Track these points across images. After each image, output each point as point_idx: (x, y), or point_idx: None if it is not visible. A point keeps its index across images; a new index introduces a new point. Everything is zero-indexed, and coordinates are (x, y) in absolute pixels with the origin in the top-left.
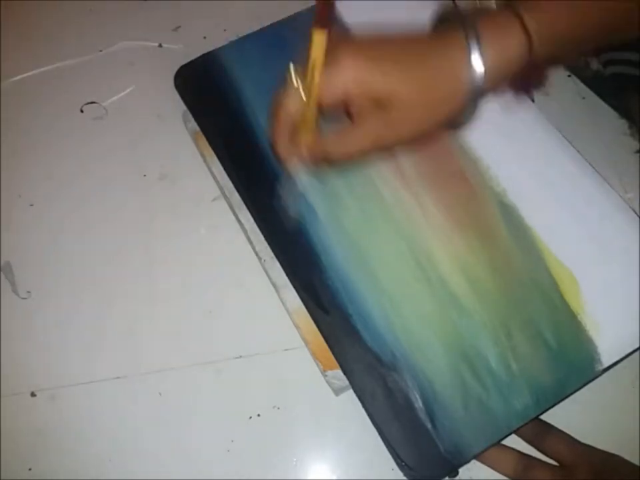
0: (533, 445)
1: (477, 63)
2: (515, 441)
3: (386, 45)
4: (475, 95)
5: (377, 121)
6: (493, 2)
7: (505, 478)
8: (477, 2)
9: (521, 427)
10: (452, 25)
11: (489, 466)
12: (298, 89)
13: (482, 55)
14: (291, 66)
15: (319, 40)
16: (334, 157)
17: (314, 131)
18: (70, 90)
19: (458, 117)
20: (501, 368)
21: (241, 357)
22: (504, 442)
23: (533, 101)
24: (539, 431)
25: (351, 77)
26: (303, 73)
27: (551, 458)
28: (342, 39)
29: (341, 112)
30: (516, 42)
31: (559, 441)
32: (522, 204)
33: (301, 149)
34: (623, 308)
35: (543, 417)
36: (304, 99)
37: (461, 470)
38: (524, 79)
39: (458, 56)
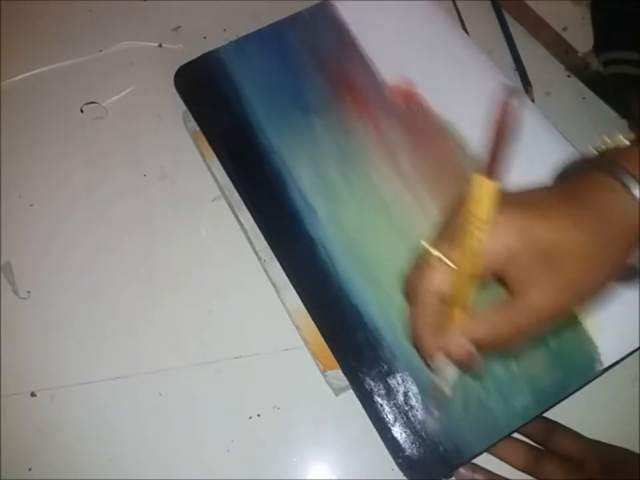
0: (541, 444)
1: (637, 190)
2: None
3: (529, 194)
4: None
5: (550, 279)
6: (622, 137)
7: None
8: (607, 140)
9: (521, 426)
10: (582, 172)
11: (500, 458)
12: (442, 259)
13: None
14: (423, 242)
15: (488, 192)
16: (501, 340)
17: (468, 312)
18: (70, 90)
19: (631, 261)
20: (500, 368)
21: (240, 356)
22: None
23: (532, 101)
24: (546, 430)
25: (512, 231)
26: (444, 237)
27: (560, 455)
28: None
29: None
30: None
31: (566, 437)
32: None
33: (456, 337)
34: (622, 308)
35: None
36: (455, 268)
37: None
38: None
39: (613, 196)
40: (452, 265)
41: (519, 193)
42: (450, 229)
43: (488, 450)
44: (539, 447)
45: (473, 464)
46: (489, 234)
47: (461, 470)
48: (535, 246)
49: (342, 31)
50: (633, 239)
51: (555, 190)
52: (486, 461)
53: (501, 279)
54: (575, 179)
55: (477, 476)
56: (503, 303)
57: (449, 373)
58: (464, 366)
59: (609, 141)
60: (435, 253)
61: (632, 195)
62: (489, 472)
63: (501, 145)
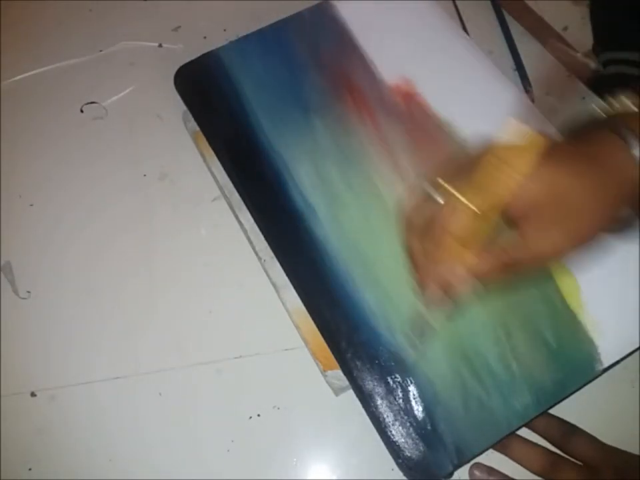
0: (558, 446)
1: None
2: (537, 440)
3: (552, 148)
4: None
5: (550, 219)
6: (630, 102)
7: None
8: (614, 103)
9: (521, 426)
10: (592, 129)
11: (516, 461)
12: (467, 204)
13: None
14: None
15: (535, 146)
16: (518, 264)
17: (484, 246)
18: (70, 90)
19: (625, 214)
20: (500, 368)
21: (240, 356)
22: (530, 439)
23: (533, 101)
24: (563, 432)
25: (540, 181)
26: (464, 181)
27: (575, 458)
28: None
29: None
30: None
31: (583, 442)
32: None
33: (459, 269)
34: (622, 308)
35: None
36: (478, 213)
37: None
38: None
39: (614, 151)
40: (476, 210)
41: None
42: (470, 175)
43: (504, 452)
44: (555, 448)
45: (489, 467)
46: (522, 184)
47: (476, 472)
48: (539, 186)
49: (342, 31)
50: (627, 193)
51: (561, 140)
52: (502, 463)
53: (512, 221)
54: (586, 134)
55: (492, 478)
56: (512, 244)
57: (439, 307)
58: (456, 299)
59: (617, 105)
60: (461, 197)
61: (631, 152)
62: (505, 475)
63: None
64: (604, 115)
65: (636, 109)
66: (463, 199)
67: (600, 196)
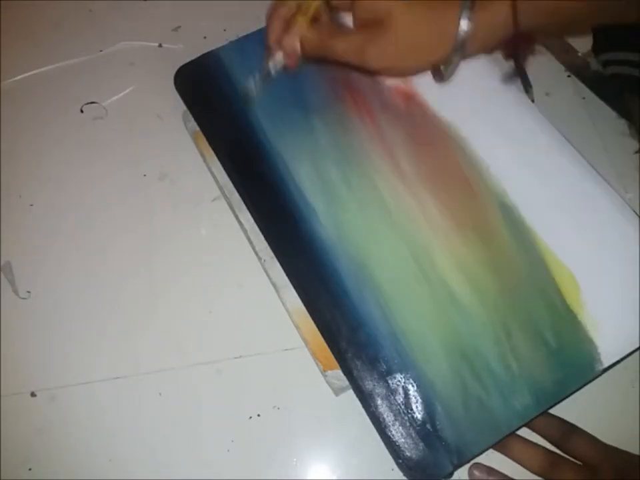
0: (557, 445)
1: (465, 22)
2: (537, 440)
3: None
4: (458, 50)
5: (368, 35)
6: None
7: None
8: None
9: (521, 426)
10: None
11: (516, 461)
12: None
13: (470, 15)
14: None
15: None
16: (320, 49)
17: (309, 23)
18: (70, 90)
19: (438, 69)
20: (500, 368)
21: (240, 356)
22: (530, 439)
23: (533, 101)
24: (563, 432)
25: None
26: None
27: (575, 458)
28: None
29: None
30: (502, 10)
31: (583, 441)
32: (522, 204)
33: (293, 36)
34: (623, 308)
35: None
36: None
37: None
38: (512, 47)
39: (452, 14)
40: None
41: None
42: None
43: (503, 452)
44: (555, 448)
45: (488, 467)
46: None
47: (476, 472)
48: (378, 4)
49: None
50: (444, 51)
51: None
52: (502, 463)
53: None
54: None
55: (491, 478)
56: (339, 29)
57: (276, 61)
58: (288, 60)
59: None
60: None
61: (460, 15)
62: (505, 475)
63: None
64: None
65: None
66: None
67: (418, 37)
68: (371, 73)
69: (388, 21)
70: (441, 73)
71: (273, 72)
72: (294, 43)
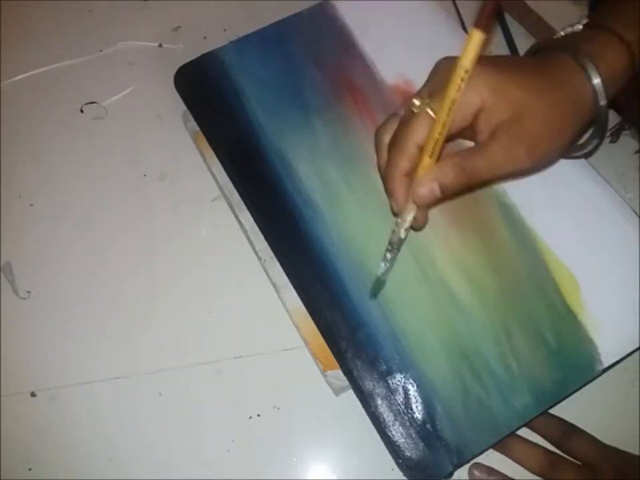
0: (557, 446)
1: (595, 76)
2: (537, 440)
3: (504, 61)
4: (599, 111)
5: (514, 136)
6: (579, 25)
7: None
8: (566, 29)
9: (521, 426)
10: (550, 51)
11: (516, 461)
12: (425, 108)
13: (598, 70)
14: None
15: (476, 43)
16: (464, 181)
17: (436, 159)
18: (70, 90)
19: (582, 138)
20: (500, 368)
21: (240, 356)
22: (530, 439)
23: None
24: (563, 432)
25: (487, 87)
26: (428, 90)
27: (575, 458)
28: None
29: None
30: (619, 53)
31: (583, 441)
32: (522, 204)
33: (425, 179)
34: (623, 308)
35: None
36: (434, 117)
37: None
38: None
39: (573, 75)
40: (433, 115)
41: (497, 56)
42: (436, 83)
43: (503, 452)
44: (555, 448)
45: (488, 467)
46: (468, 84)
47: (476, 472)
48: (505, 102)
49: (342, 31)
50: (583, 117)
51: (527, 60)
52: (502, 463)
53: (468, 132)
54: (544, 55)
55: (491, 478)
56: (468, 151)
57: (408, 219)
58: (422, 215)
59: (570, 28)
60: (419, 102)
61: (588, 77)
62: (504, 475)
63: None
64: (561, 38)
65: (581, 27)
66: (421, 103)
67: (559, 116)
68: (523, 175)
69: (528, 111)
70: (585, 145)
71: (403, 237)
72: (433, 191)
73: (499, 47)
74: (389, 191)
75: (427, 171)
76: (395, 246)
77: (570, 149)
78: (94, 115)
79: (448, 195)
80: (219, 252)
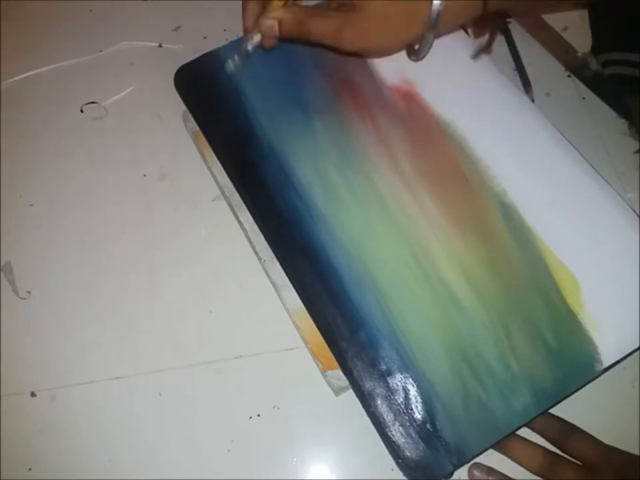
0: (557, 445)
1: (437, 1)
2: (537, 440)
3: None
4: (431, 28)
5: (350, 21)
6: None
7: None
8: None
9: (521, 426)
10: None
11: (514, 460)
12: None
13: None
14: None
15: None
16: (297, 30)
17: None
18: (70, 90)
19: (412, 48)
20: (500, 368)
21: (240, 356)
22: (530, 439)
23: (532, 101)
24: (563, 432)
25: None
26: None
27: (575, 458)
28: None
29: None
30: None
31: (583, 441)
32: (522, 204)
33: (268, 15)
34: (622, 308)
35: None
36: None
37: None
38: (480, 28)
39: None
40: None
41: None
42: None
43: (502, 451)
44: (555, 448)
45: (488, 467)
46: None
47: (476, 472)
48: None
49: None
50: (418, 30)
51: None
52: (502, 463)
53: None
54: None
55: (491, 478)
56: (318, 10)
57: (254, 42)
58: (266, 38)
59: None
60: None
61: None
62: (504, 475)
63: None
64: None
65: None
66: None
67: (393, 23)
68: (346, 54)
69: (361, 3)
70: (415, 51)
71: (251, 51)
72: (271, 24)
73: (500, 48)
74: (242, 17)
75: (274, 8)
76: (241, 54)
77: (405, 51)
78: (94, 115)
79: (285, 36)
80: (219, 252)
